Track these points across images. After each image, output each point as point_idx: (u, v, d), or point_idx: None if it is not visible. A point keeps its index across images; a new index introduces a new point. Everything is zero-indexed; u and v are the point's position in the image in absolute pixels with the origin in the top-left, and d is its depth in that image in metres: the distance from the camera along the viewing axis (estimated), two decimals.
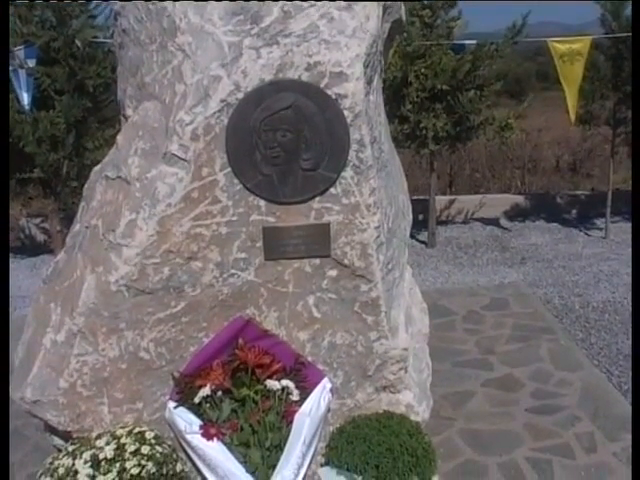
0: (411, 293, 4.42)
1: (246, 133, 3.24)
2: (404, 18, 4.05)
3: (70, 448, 3.43)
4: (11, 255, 10.43)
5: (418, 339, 4.28)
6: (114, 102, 7.85)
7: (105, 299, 3.40)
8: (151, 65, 3.45)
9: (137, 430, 3.48)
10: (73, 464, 3.28)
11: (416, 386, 3.97)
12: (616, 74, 9.52)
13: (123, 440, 3.38)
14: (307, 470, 3.58)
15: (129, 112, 3.71)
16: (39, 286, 4.03)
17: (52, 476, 3.29)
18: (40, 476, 3.36)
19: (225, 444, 3.46)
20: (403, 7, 3.98)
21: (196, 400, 3.51)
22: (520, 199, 11.97)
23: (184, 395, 3.55)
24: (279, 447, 3.50)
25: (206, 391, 3.50)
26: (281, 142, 3.28)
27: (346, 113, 3.30)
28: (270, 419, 3.53)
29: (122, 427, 3.52)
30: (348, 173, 3.40)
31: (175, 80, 3.29)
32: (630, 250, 7.74)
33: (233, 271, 3.47)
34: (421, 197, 10.51)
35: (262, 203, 3.39)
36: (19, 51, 8.11)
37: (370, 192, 3.45)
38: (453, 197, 12.09)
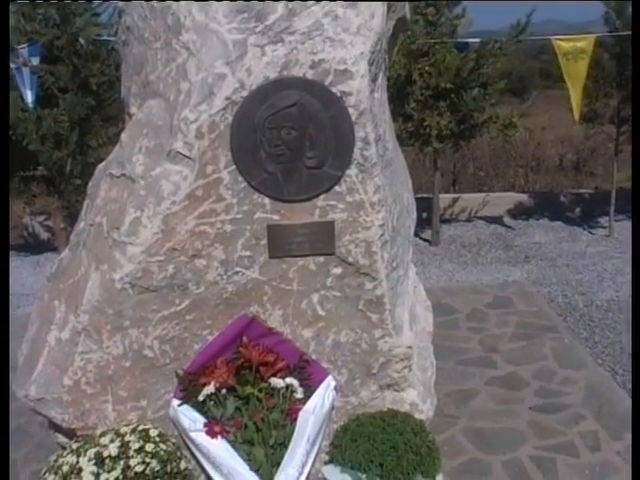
0: (415, 291, 4.42)
1: (251, 131, 3.24)
2: (408, 16, 4.04)
3: (74, 446, 3.44)
4: (15, 253, 10.45)
5: (422, 337, 4.28)
6: (118, 100, 7.90)
7: (109, 297, 3.40)
8: (155, 63, 3.45)
9: (141, 428, 3.49)
10: (77, 461, 3.28)
11: (420, 384, 3.97)
12: (620, 72, 9.50)
13: (127, 438, 3.39)
14: (311, 468, 3.58)
15: (133, 110, 3.71)
16: (43, 284, 4.03)
17: (56, 473, 3.29)
18: (44, 473, 3.37)
19: (229, 442, 3.46)
20: (407, 5, 3.97)
21: (200, 398, 3.51)
22: (524, 197, 11.96)
23: (188, 393, 3.55)
24: (283, 445, 3.51)
25: (210, 389, 3.50)
26: (286, 140, 3.27)
27: (351, 111, 3.30)
28: (274, 417, 3.53)
29: (126, 425, 3.53)
30: (353, 171, 3.40)
31: (179, 78, 3.29)
32: None
33: (237, 269, 3.47)
34: (425, 195, 10.50)
35: (267, 201, 3.39)
36: (23, 49, 8.12)
37: (375, 190, 3.45)
38: (457, 195, 12.07)
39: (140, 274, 3.36)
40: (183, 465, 3.46)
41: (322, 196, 3.42)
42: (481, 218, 11.56)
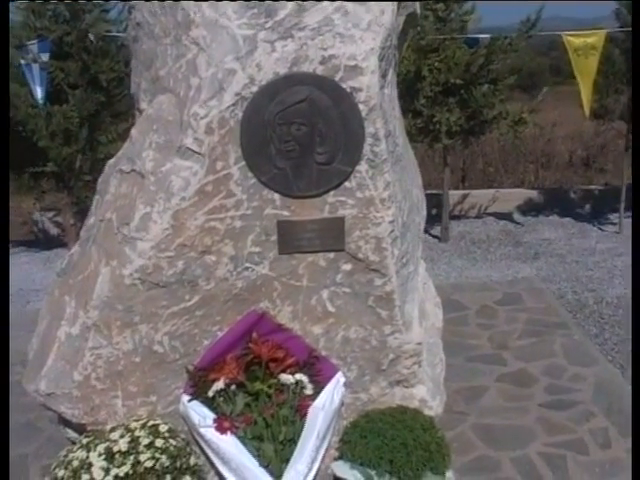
0: (425, 287, 4.41)
1: (261, 127, 3.24)
2: (418, 12, 4.03)
3: (84, 441, 3.45)
4: (25, 249, 10.50)
5: (432, 333, 4.27)
6: (127, 96, 7.91)
7: (119, 292, 3.41)
8: (165, 58, 3.45)
9: (151, 423, 3.49)
10: (87, 457, 3.29)
11: (430, 381, 3.96)
12: (631, 68, 9.45)
13: (137, 433, 3.40)
14: (320, 464, 3.59)
15: (143, 106, 3.72)
16: (53, 279, 4.04)
17: (66, 468, 3.30)
18: (54, 468, 3.38)
19: (239, 438, 3.47)
20: (417, 1, 3.96)
21: (210, 394, 3.52)
22: (533, 194, 11.91)
23: (198, 389, 3.56)
24: (293, 441, 3.51)
25: (220, 385, 3.51)
26: (296, 136, 3.27)
27: (361, 107, 3.29)
28: (284, 413, 3.54)
29: (136, 420, 3.53)
30: (363, 167, 3.39)
31: (190, 73, 3.29)
32: None
33: (247, 265, 3.47)
34: (434, 192, 10.46)
35: (276, 197, 3.39)
36: (33, 45, 8.13)
37: (385, 186, 3.44)
38: (466, 192, 12.04)
39: (150, 270, 3.37)
40: (193, 461, 3.46)
41: (332, 192, 3.42)
42: (490, 214, 11.53)
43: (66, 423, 3.75)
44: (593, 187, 12.29)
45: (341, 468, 3.58)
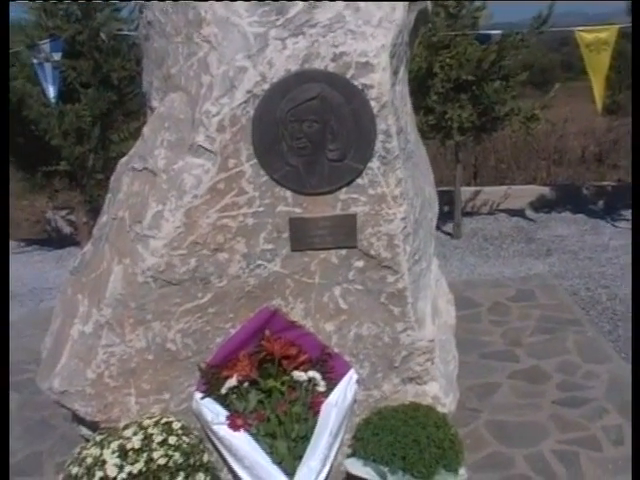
0: (437, 284, 4.40)
1: (272, 124, 3.24)
2: (429, 8, 4.02)
3: (98, 438, 3.46)
4: (37, 247, 10.54)
5: (444, 330, 4.26)
6: (139, 95, 7.93)
7: (132, 290, 3.42)
8: (177, 57, 3.46)
9: (164, 421, 3.50)
10: (101, 454, 3.30)
11: (442, 377, 3.95)
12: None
13: (150, 430, 3.41)
14: (333, 461, 3.59)
15: (155, 104, 3.72)
16: (66, 278, 4.06)
17: (80, 466, 3.31)
18: (68, 465, 3.39)
19: (251, 435, 3.47)
20: None
21: (223, 391, 3.53)
22: (546, 190, 11.86)
23: (211, 386, 3.56)
24: (305, 438, 3.51)
25: (233, 382, 3.52)
26: (307, 133, 3.27)
27: (372, 103, 3.29)
28: (296, 410, 3.54)
29: (149, 417, 3.54)
30: (374, 164, 3.39)
31: (201, 71, 3.29)
32: None
33: (259, 262, 3.48)
34: (446, 188, 10.42)
35: (288, 194, 3.39)
36: (45, 44, 8.16)
37: (397, 183, 3.44)
38: (478, 188, 12.00)
39: (162, 267, 3.38)
40: (206, 458, 3.47)
41: (344, 189, 3.41)
42: (503, 211, 11.49)
43: (80, 420, 3.76)
44: (606, 183, 12.22)
45: (354, 465, 3.59)
